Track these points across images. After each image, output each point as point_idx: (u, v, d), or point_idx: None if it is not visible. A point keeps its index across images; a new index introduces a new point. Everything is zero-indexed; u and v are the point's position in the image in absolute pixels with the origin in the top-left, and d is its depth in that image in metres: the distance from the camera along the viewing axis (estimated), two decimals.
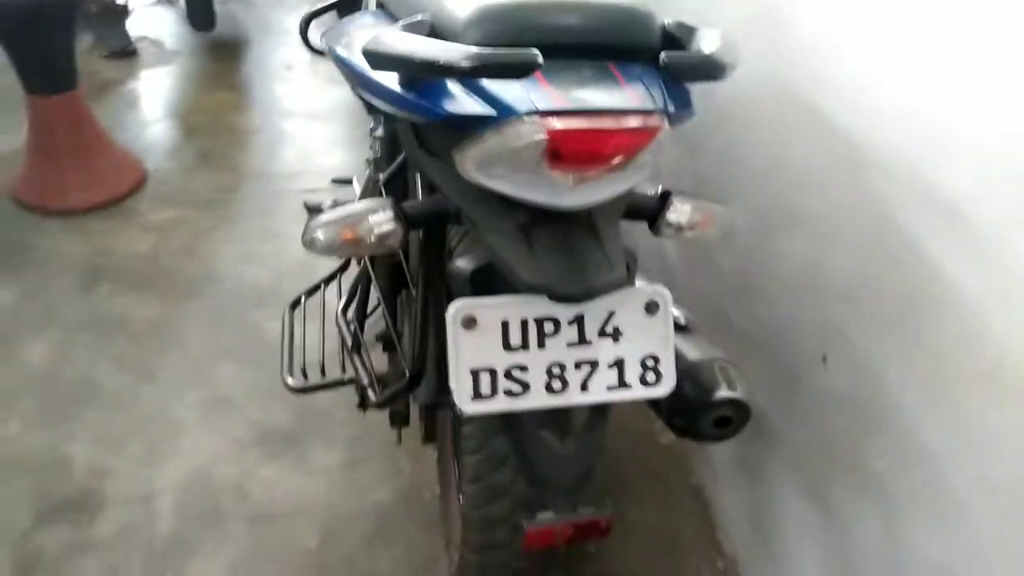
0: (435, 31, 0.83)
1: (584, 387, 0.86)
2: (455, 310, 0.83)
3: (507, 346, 0.85)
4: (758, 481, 1.42)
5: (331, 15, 1.63)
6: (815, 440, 1.24)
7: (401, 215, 0.91)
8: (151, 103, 3.00)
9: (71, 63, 2.26)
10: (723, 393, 1.02)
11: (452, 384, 0.83)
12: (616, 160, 0.76)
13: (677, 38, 0.85)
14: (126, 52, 3.28)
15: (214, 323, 1.98)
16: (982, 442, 0.90)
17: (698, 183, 1.57)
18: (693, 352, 1.08)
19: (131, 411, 1.75)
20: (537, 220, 0.82)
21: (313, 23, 1.62)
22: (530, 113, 0.73)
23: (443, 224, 0.99)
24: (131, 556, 1.47)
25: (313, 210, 1.68)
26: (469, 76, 0.71)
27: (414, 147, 0.99)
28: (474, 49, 0.70)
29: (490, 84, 0.75)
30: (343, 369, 1.23)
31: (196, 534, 1.51)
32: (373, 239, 0.91)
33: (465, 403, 0.84)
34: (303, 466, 1.64)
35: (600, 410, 0.94)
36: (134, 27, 3.40)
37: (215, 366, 1.87)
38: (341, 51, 0.96)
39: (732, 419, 1.04)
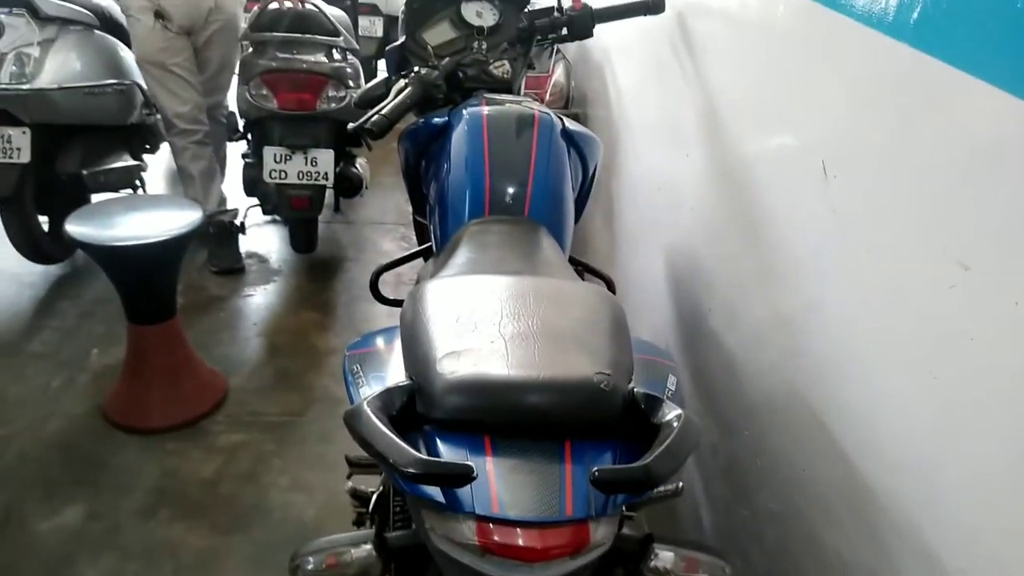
0: (418, 393, 0.90)
1: None
2: None
3: None
4: None
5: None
6: None
7: (382, 548, 0.94)
8: (245, 321, 3.24)
9: (172, 297, 2.51)
10: None
11: None
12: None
13: (642, 410, 0.88)
14: (235, 269, 3.60)
15: (256, 560, 2.01)
16: None
17: (732, 467, 1.54)
18: None
19: None
20: None
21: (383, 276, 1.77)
22: (469, 514, 0.77)
23: (425, 559, 1.01)
24: None
25: (353, 464, 1.73)
26: (411, 481, 0.76)
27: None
28: (417, 457, 0.76)
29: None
30: None
31: None
32: (354, 570, 0.94)
33: None
34: None
35: None
36: (246, 244, 3.75)
37: None
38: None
39: None
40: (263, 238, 3.95)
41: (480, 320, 0.97)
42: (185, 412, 2.53)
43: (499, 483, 0.79)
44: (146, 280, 2.38)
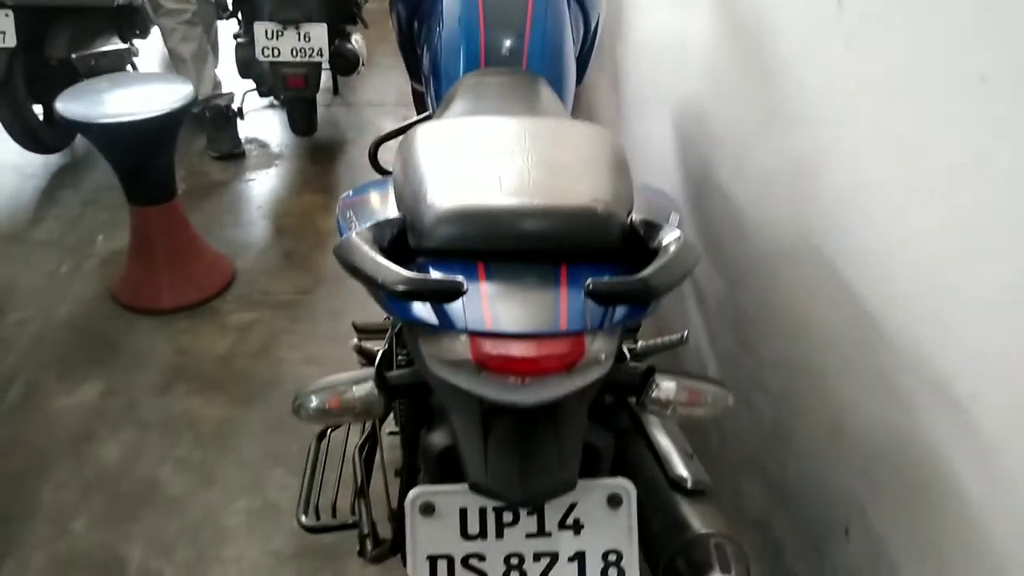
0: (409, 227, 0.87)
1: None
2: (413, 496, 0.84)
3: (465, 534, 0.85)
4: None
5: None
6: None
7: (383, 386, 0.94)
8: (249, 204, 3.21)
9: (169, 178, 2.47)
10: None
11: (409, 571, 0.84)
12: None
13: (641, 236, 0.85)
14: (234, 154, 3.54)
15: (272, 428, 2.06)
16: None
17: (739, 319, 1.53)
18: (695, 521, 1.04)
19: (185, 515, 1.83)
20: (498, 411, 0.82)
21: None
22: (461, 331, 0.75)
23: (425, 394, 1.01)
24: None
25: (360, 330, 1.74)
26: (402, 299, 0.74)
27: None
28: (406, 274, 0.74)
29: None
30: (352, 511, 1.24)
31: None
32: (357, 408, 0.94)
33: None
34: None
35: None
36: (245, 130, 3.68)
37: (267, 471, 1.94)
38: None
39: None
40: (262, 123, 3.86)
41: (474, 156, 0.94)
42: (194, 293, 2.54)
43: (492, 301, 0.78)
44: (141, 158, 2.33)
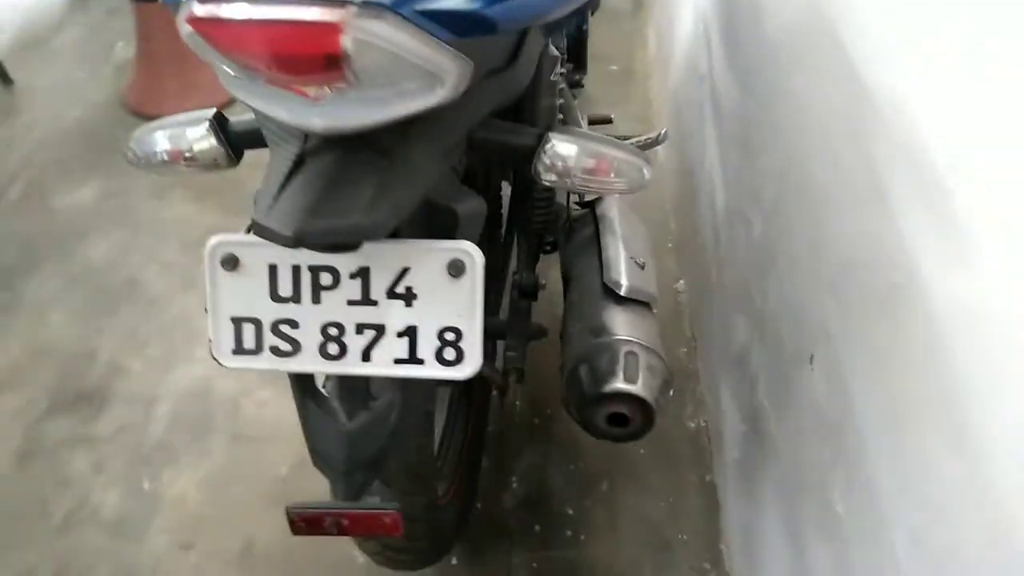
0: None
1: (366, 356, 0.71)
2: (213, 246, 0.70)
3: (275, 296, 0.71)
4: (753, 493, 1.18)
5: None
6: (793, 463, 0.99)
7: (219, 131, 0.78)
8: None
9: None
10: (616, 385, 0.83)
11: (210, 333, 0.71)
12: (328, 67, 0.58)
13: None
14: None
15: None
16: (925, 499, 0.64)
17: (747, 127, 1.30)
18: (613, 327, 0.88)
19: (162, 315, 1.79)
20: (316, 150, 0.66)
21: None
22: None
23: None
24: (117, 456, 1.51)
25: None
26: None
27: None
28: None
29: None
30: None
31: (181, 444, 1.53)
32: (197, 159, 0.80)
33: (225, 356, 0.72)
34: None
35: (408, 386, 0.77)
36: None
37: None
38: None
39: (629, 417, 0.83)
40: None
41: None
42: (199, 102, 2.39)
43: None
44: None
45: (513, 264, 1.28)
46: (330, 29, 0.56)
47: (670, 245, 1.90)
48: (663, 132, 1.22)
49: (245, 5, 0.56)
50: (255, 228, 0.65)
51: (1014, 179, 0.57)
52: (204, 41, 0.60)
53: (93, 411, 1.59)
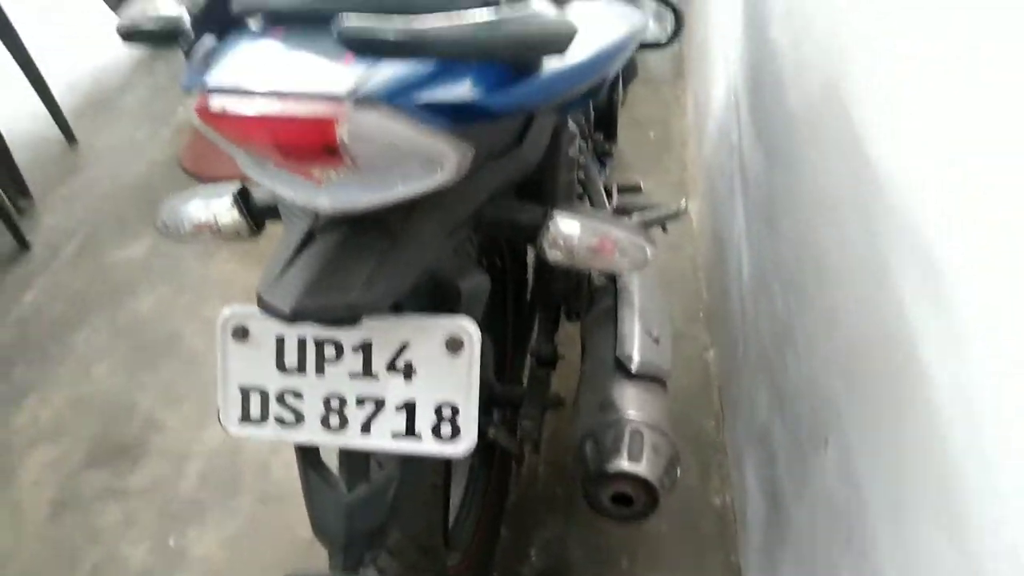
0: None
1: (366, 429, 0.72)
2: (225, 317, 0.73)
3: (281, 366, 0.73)
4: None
5: None
6: (809, 548, 0.96)
7: (241, 204, 0.82)
8: None
9: None
10: (620, 465, 0.82)
11: (219, 401, 0.73)
12: (331, 156, 0.61)
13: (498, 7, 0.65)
14: None
15: None
16: None
17: (771, 194, 1.30)
18: (622, 404, 0.88)
19: (199, 371, 1.84)
20: (325, 228, 0.69)
21: None
22: (203, 90, 0.61)
23: None
24: (147, 510, 1.54)
25: None
26: (125, 41, 0.61)
27: None
28: (127, 15, 0.60)
29: (225, 51, 0.64)
30: None
31: (209, 501, 1.55)
32: (221, 230, 0.83)
33: (232, 424, 0.74)
34: None
35: (409, 459, 0.78)
36: None
37: None
38: None
39: (633, 498, 0.82)
40: None
41: None
42: None
43: (246, 59, 0.62)
44: None
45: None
46: (326, 123, 0.58)
47: (701, 315, 1.88)
48: (684, 205, 1.23)
49: (249, 101, 0.59)
50: (258, 302, 0.67)
51: (1009, 268, 0.56)
52: (214, 131, 0.64)
53: (128, 464, 1.63)
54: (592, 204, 1.15)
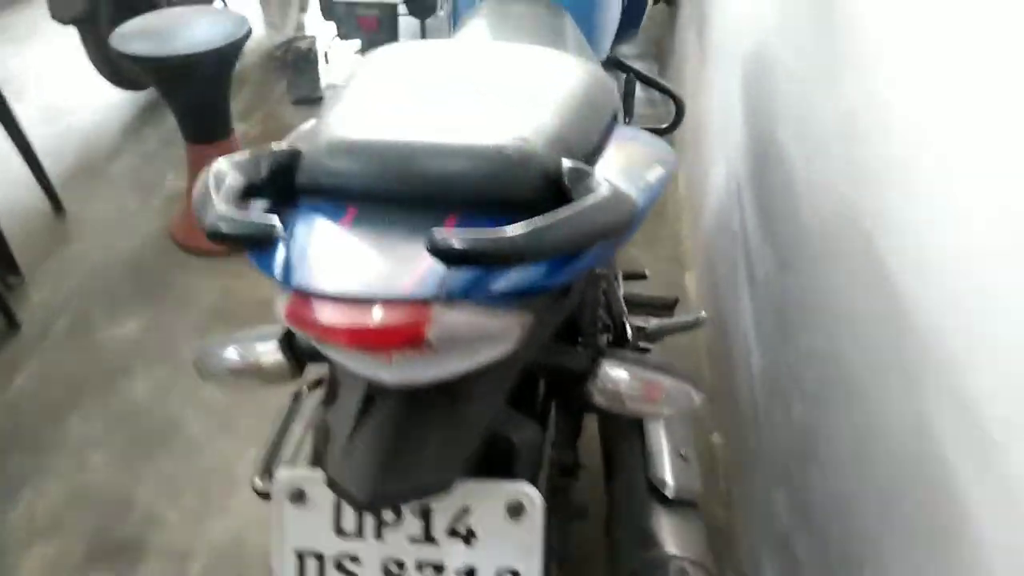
0: (300, 161, 0.73)
1: None
2: (281, 481, 0.72)
3: (339, 530, 0.72)
4: None
5: None
6: None
7: (290, 348, 0.82)
8: None
9: (223, 116, 2.43)
10: None
11: (274, 564, 0.72)
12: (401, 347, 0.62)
13: (565, 186, 0.67)
14: (312, 99, 3.49)
15: None
16: None
17: (785, 303, 1.32)
18: (663, 537, 0.88)
19: (200, 460, 1.81)
20: (381, 394, 0.69)
21: None
22: (288, 287, 0.61)
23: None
24: None
25: None
26: (212, 240, 0.61)
27: None
28: (217, 213, 0.60)
29: (303, 244, 0.65)
30: None
31: None
32: (264, 373, 0.83)
33: None
34: None
35: None
36: (327, 76, 3.62)
37: None
38: None
39: None
40: (346, 70, 3.80)
41: (404, 83, 0.79)
42: None
43: (330, 253, 0.63)
44: (194, 94, 2.30)
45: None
46: (416, 325, 0.59)
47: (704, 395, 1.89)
48: (701, 315, 1.25)
49: (340, 309, 0.60)
50: (329, 484, 0.67)
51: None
52: (301, 330, 0.64)
53: (127, 564, 1.59)
54: (613, 326, 1.16)
